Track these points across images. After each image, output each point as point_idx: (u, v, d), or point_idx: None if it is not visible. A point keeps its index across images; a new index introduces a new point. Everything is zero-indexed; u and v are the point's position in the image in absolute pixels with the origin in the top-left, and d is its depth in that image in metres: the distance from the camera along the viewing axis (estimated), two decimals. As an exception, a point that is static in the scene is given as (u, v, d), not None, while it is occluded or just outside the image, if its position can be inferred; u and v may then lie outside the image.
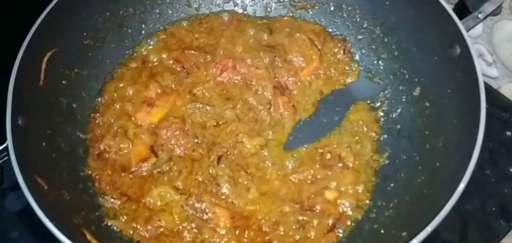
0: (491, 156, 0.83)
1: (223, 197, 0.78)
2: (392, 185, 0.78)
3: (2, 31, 0.96)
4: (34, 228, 0.83)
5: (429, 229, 0.59)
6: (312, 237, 0.74)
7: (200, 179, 0.79)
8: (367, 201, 0.77)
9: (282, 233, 0.74)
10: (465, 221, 0.82)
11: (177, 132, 0.83)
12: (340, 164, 0.81)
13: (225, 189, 0.78)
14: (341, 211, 0.76)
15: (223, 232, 0.74)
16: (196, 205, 0.76)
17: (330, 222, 0.75)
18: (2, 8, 0.98)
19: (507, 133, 0.91)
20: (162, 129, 0.83)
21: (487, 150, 0.66)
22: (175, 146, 0.82)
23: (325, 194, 0.77)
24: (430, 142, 0.76)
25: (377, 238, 0.72)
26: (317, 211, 0.76)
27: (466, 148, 0.65)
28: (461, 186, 0.62)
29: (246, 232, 0.74)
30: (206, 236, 0.74)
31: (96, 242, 0.69)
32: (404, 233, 0.64)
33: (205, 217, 0.76)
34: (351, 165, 0.80)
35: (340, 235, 0.74)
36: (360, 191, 0.78)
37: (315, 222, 0.75)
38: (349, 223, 0.75)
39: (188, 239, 0.74)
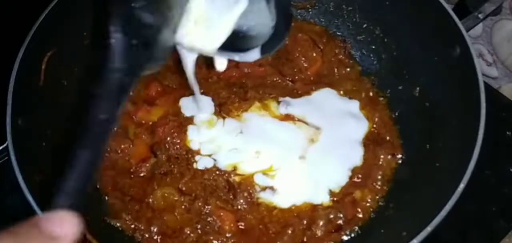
0: (491, 156, 0.82)
1: (236, 207, 0.76)
2: (392, 185, 0.78)
3: (2, 31, 0.96)
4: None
5: (429, 229, 0.60)
6: (318, 236, 0.73)
7: (206, 182, 0.78)
8: (373, 201, 0.77)
9: (289, 232, 0.73)
10: (465, 221, 0.82)
11: (173, 130, 0.82)
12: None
13: (241, 200, 0.76)
14: (356, 212, 0.75)
15: (229, 234, 0.74)
16: (201, 207, 0.75)
17: (340, 222, 0.74)
18: (2, 8, 0.98)
19: (507, 133, 0.91)
20: (159, 126, 0.83)
21: (487, 150, 0.65)
22: (171, 144, 0.81)
23: (355, 193, 0.76)
24: (430, 142, 0.76)
25: (377, 238, 0.72)
26: (331, 211, 0.75)
27: (466, 148, 0.65)
28: (461, 186, 0.62)
29: (251, 234, 0.74)
30: (211, 238, 0.74)
31: (96, 242, 0.69)
32: (404, 233, 0.64)
33: (209, 219, 0.75)
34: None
35: (342, 235, 0.74)
36: (378, 186, 0.78)
37: (323, 222, 0.74)
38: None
39: (192, 240, 0.73)
